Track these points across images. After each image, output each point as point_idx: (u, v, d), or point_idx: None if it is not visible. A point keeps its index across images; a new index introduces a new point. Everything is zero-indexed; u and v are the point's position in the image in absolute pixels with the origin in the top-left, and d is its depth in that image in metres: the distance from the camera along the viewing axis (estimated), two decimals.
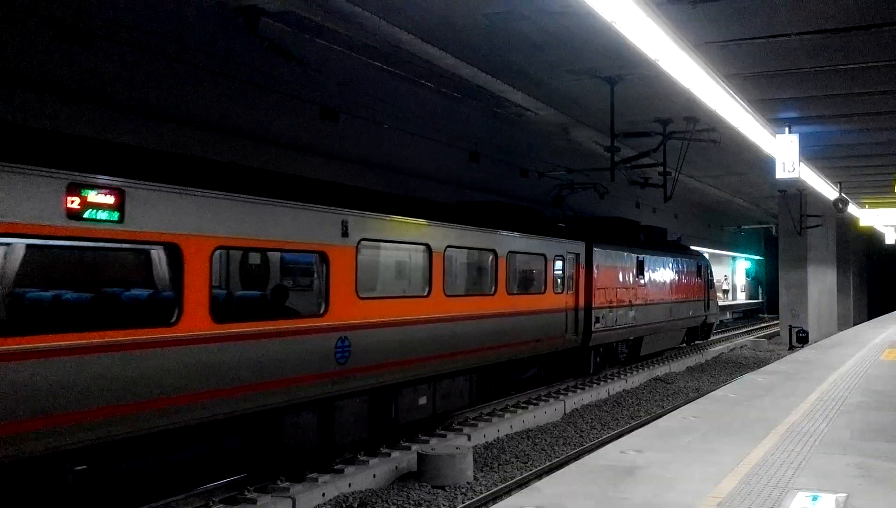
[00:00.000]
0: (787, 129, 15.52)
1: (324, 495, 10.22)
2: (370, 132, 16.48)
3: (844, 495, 7.23)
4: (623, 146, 18.62)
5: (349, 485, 10.69)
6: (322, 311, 10.24)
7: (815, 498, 7.10)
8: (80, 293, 8.00)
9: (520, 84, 14.90)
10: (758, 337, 35.13)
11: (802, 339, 30.78)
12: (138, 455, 8.24)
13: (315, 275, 10.38)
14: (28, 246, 7.00)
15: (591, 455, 9.32)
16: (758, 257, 61.79)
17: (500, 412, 15.63)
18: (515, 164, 22.41)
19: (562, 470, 8.52)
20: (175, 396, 8.18)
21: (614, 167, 16.47)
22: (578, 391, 18.85)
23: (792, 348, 30.22)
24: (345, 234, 10.55)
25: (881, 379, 15.25)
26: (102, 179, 7.42)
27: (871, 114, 16.56)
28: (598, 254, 19.42)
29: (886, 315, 44.73)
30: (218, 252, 8.76)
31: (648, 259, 23.09)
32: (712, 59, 10.97)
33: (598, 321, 19.32)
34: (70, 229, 7.16)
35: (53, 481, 7.43)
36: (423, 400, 12.61)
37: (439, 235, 12.72)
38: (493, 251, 14.47)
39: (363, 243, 10.97)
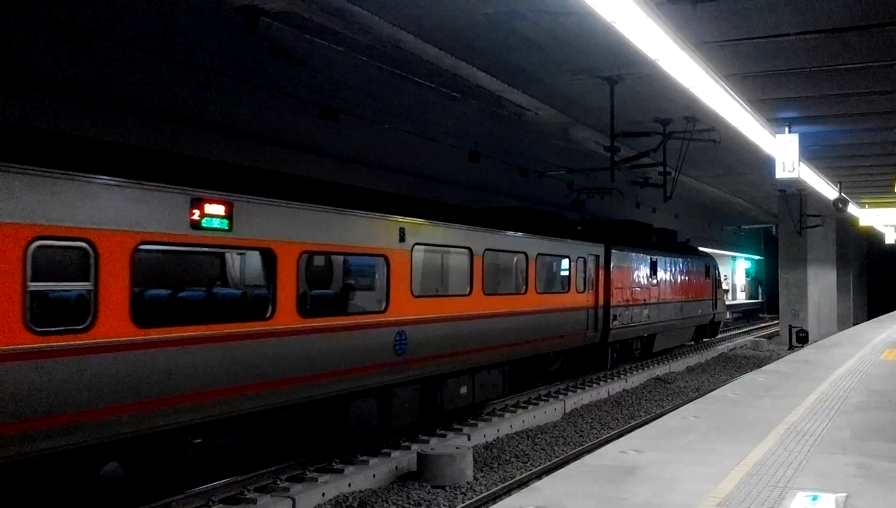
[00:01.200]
0: (786, 128, 15.50)
1: (324, 495, 10.22)
2: (370, 132, 16.48)
3: (844, 495, 7.23)
4: (623, 146, 18.61)
5: (349, 485, 10.69)
6: (383, 308, 11.49)
7: (814, 498, 7.10)
8: (198, 291, 9.60)
9: (520, 84, 14.90)
10: (758, 337, 35.14)
11: (802, 339, 30.78)
12: (236, 432, 9.51)
13: (376, 276, 11.65)
14: (161, 252, 8.39)
15: (591, 454, 9.31)
16: (758, 257, 61.81)
17: (499, 412, 15.63)
18: (515, 164, 22.41)
19: (561, 470, 8.51)
20: (267, 381, 9.40)
21: (614, 167, 16.47)
22: (578, 391, 18.85)
23: (792, 347, 30.21)
24: (402, 239, 11.87)
25: (881, 379, 15.24)
26: (217, 194, 8.72)
27: (871, 114, 16.55)
28: (616, 256, 20.64)
29: (886, 315, 44.72)
30: (305, 257, 10.06)
31: (661, 260, 24.32)
32: (712, 59, 10.96)
33: (615, 318, 20.46)
34: (193, 237, 8.49)
35: (177, 451, 8.77)
36: (464, 390, 13.81)
37: (479, 239, 13.98)
38: (525, 254, 15.77)
39: (416, 246, 12.24)
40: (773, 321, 45.71)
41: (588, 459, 8.95)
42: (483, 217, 14.73)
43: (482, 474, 11.90)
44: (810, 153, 19.76)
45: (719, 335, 35.41)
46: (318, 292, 10.85)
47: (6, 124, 8.05)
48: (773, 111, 15.73)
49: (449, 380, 13.31)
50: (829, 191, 25.25)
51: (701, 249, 33.03)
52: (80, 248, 7.47)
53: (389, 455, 11.91)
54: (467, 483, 11.25)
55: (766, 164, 18.17)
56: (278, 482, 10.18)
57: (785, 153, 15.29)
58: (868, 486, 7.58)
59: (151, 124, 12.04)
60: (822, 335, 32.46)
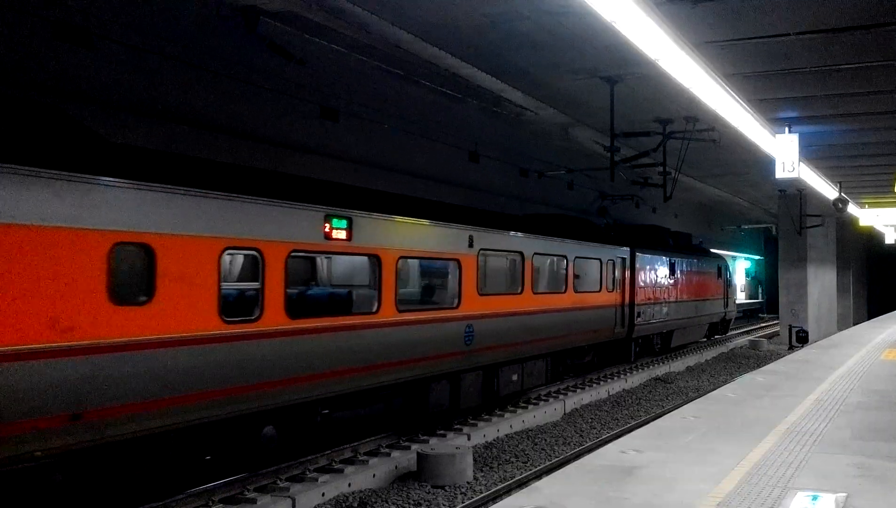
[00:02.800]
0: (786, 128, 15.50)
1: (323, 495, 10.22)
2: (370, 132, 16.48)
3: (844, 495, 7.23)
4: (623, 146, 18.61)
5: (349, 485, 10.69)
6: (456, 304, 13.35)
7: (814, 498, 7.10)
8: (326, 289, 11.96)
9: (519, 84, 14.89)
10: (758, 337, 35.11)
11: (802, 339, 30.77)
12: (348, 407, 11.32)
13: (450, 277, 13.55)
14: (305, 257, 10.55)
15: (591, 454, 9.31)
16: (758, 257, 61.79)
17: (500, 412, 15.64)
18: (515, 164, 22.41)
19: (561, 470, 8.52)
20: (373, 365, 11.29)
21: (614, 167, 16.46)
22: (578, 390, 18.86)
23: (792, 347, 30.21)
24: (470, 245, 13.72)
25: (881, 379, 15.25)
26: (342, 211, 10.66)
27: (871, 114, 16.54)
28: (640, 258, 22.48)
29: (886, 315, 44.72)
30: (402, 261, 11.97)
31: (678, 262, 26.12)
32: (712, 59, 10.96)
33: (639, 315, 22.33)
34: (324, 246, 10.57)
35: (310, 420, 10.64)
36: (515, 377, 15.57)
37: (529, 244, 15.92)
38: (565, 257, 17.64)
39: (481, 251, 14.07)
40: (772, 321, 45.71)
41: (588, 459, 8.95)
42: (529, 224, 16.79)
43: (482, 474, 11.90)
44: (810, 153, 19.76)
45: (719, 336, 35.58)
46: (409, 291, 12.85)
47: (190, 158, 9.98)
48: (773, 111, 15.72)
49: (503, 368, 15.10)
50: (828, 191, 25.25)
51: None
52: (253, 256, 9.43)
53: (389, 454, 11.92)
54: (467, 482, 11.25)
55: (766, 164, 18.17)
56: (278, 481, 10.18)
57: (785, 153, 15.28)
58: (868, 486, 7.58)
59: (154, 125, 12.03)
60: (821, 334, 32.45)
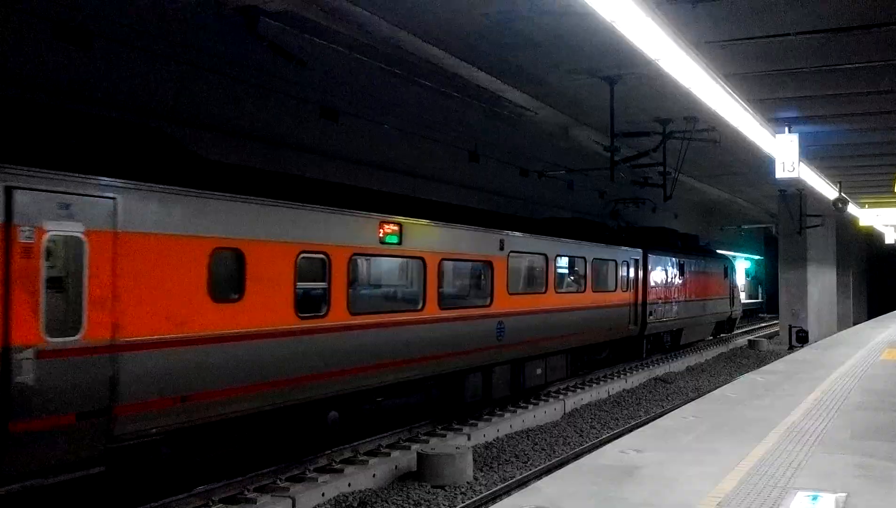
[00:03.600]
0: (786, 128, 15.49)
1: (323, 494, 10.22)
2: (370, 132, 16.47)
3: (844, 494, 7.23)
4: (623, 146, 18.61)
5: (349, 485, 10.69)
6: (489, 303, 14.46)
7: (814, 498, 7.10)
8: (378, 288, 12.95)
9: (519, 84, 14.89)
10: (758, 337, 35.11)
11: (802, 339, 30.76)
12: (395, 396, 12.45)
13: (483, 277, 14.63)
14: (363, 260, 11.47)
15: (591, 454, 9.31)
16: (757, 257, 61.76)
17: (499, 412, 15.64)
18: (515, 164, 22.42)
19: (561, 470, 8.52)
20: (419, 357, 12.42)
21: (614, 167, 16.46)
22: (578, 390, 18.86)
23: (792, 347, 30.20)
24: (501, 248, 14.84)
25: (881, 379, 15.24)
26: (394, 218, 11.86)
27: (871, 114, 16.54)
28: (652, 259, 23.55)
29: (886, 315, 44.72)
30: (443, 263, 13.10)
31: (687, 262, 27.11)
32: (712, 59, 10.96)
33: (651, 314, 23.41)
34: (379, 249, 11.67)
35: (366, 407, 11.92)
36: (539, 371, 16.60)
37: (552, 246, 16.98)
38: (584, 258, 18.77)
39: (511, 254, 15.16)
40: (772, 321, 45.69)
41: (588, 459, 8.95)
42: (550, 227, 17.93)
43: (482, 474, 11.90)
44: (810, 153, 19.75)
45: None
46: (449, 290, 13.78)
47: (264, 171, 11.26)
48: (773, 111, 15.71)
49: (528, 362, 16.13)
50: (828, 191, 25.25)
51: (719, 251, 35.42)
52: (321, 259, 10.49)
53: (389, 454, 11.91)
54: (467, 482, 11.25)
55: (766, 164, 18.16)
56: (278, 481, 10.18)
57: (785, 153, 15.28)
58: (868, 486, 7.58)
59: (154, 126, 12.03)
60: (821, 334, 32.44)
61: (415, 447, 12.33)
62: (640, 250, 22.81)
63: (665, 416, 11.85)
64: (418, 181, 18.24)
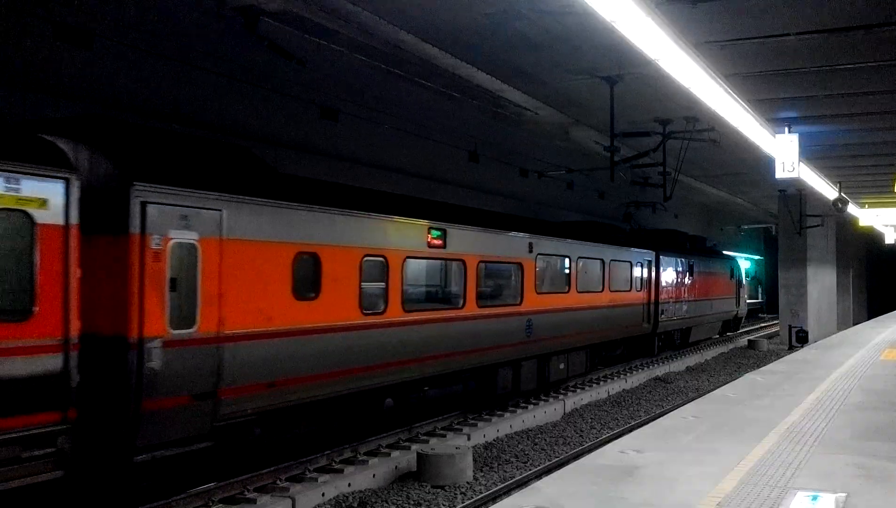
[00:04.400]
0: (786, 128, 15.47)
1: (323, 495, 10.22)
2: (370, 132, 16.47)
3: (844, 495, 7.23)
4: (623, 146, 18.60)
5: (349, 485, 10.69)
6: (519, 301, 15.68)
7: (814, 498, 7.10)
8: (426, 287, 14.25)
9: (519, 84, 14.88)
10: (757, 337, 35.12)
11: (802, 339, 30.76)
12: (437, 386, 13.91)
13: (514, 278, 15.76)
14: (411, 261, 12.57)
15: (591, 454, 9.31)
16: (757, 257, 61.76)
17: (499, 412, 15.64)
18: (515, 164, 22.41)
19: (561, 470, 8.52)
20: (459, 351, 13.71)
21: (614, 167, 16.45)
22: (578, 390, 18.86)
23: (791, 347, 30.20)
24: (530, 251, 16.11)
25: (881, 379, 15.24)
26: (440, 224, 13.19)
27: (871, 114, 16.53)
28: (663, 260, 24.70)
29: (886, 315, 44.71)
30: (480, 264, 14.30)
31: (696, 263, 28.28)
32: (712, 59, 10.95)
33: (662, 313, 24.61)
34: (428, 253, 13.06)
35: (415, 396, 13.31)
36: (562, 366, 17.81)
37: (574, 249, 18.31)
38: (602, 260, 20.02)
39: (538, 256, 16.42)
40: (772, 321, 45.69)
41: (588, 459, 8.95)
42: (571, 230, 19.14)
43: (482, 474, 11.90)
44: (810, 153, 19.74)
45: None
46: (485, 290, 14.89)
47: (329, 183, 12.29)
48: (773, 111, 15.70)
49: (553, 357, 17.32)
50: (828, 191, 25.24)
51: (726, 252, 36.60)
52: (380, 261, 11.77)
53: (389, 454, 11.91)
54: (467, 482, 11.25)
55: (766, 164, 18.15)
56: (278, 482, 10.18)
57: (785, 153, 15.26)
58: (868, 486, 7.58)
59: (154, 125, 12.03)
60: (821, 334, 32.43)
61: (415, 447, 12.33)
62: (652, 252, 23.90)
63: (665, 416, 11.85)
64: (418, 181, 18.24)
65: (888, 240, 39.81)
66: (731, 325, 35.14)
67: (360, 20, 11.00)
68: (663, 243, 25.34)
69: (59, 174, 7.47)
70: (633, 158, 19.69)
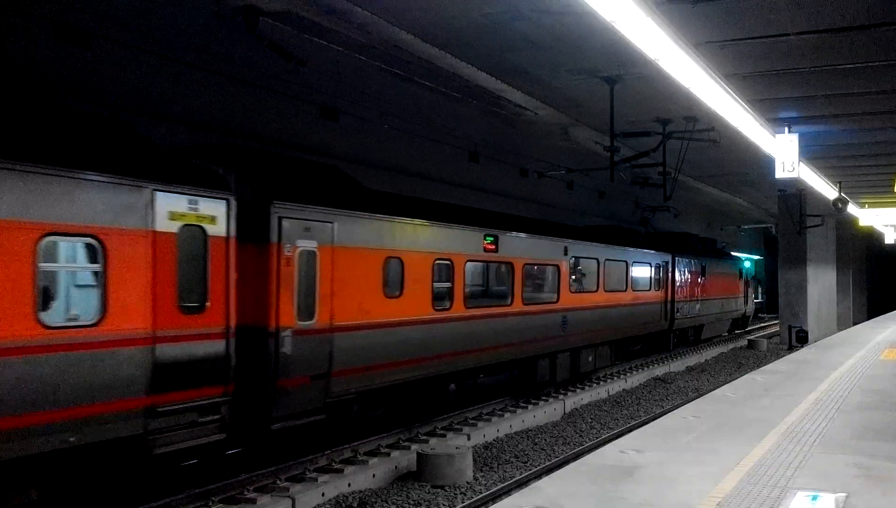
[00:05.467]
0: (786, 128, 15.47)
1: (323, 494, 10.22)
2: (369, 132, 16.46)
3: (844, 495, 7.23)
4: (623, 146, 18.59)
5: (349, 485, 10.69)
6: (556, 299, 17.60)
7: (814, 498, 7.10)
8: (482, 286, 15.62)
9: (519, 84, 14.87)
10: (757, 337, 35.12)
11: (802, 339, 30.75)
12: (488, 374, 15.61)
13: (551, 278, 17.62)
14: (470, 264, 14.36)
15: (591, 454, 9.32)
16: (757, 257, 61.75)
17: (499, 412, 15.63)
18: (515, 164, 22.41)
19: (561, 470, 8.52)
20: (507, 344, 15.44)
21: (614, 167, 16.44)
22: (578, 390, 18.86)
23: (791, 347, 30.19)
24: (565, 253, 18.04)
25: (881, 379, 15.25)
26: (492, 231, 15.07)
27: (871, 114, 16.52)
28: (678, 262, 26.47)
29: (886, 315, 44.71)
30: (525, 266, 16.13)
31: (708, 264, 30.09)
32: (712, 59, 10.95)
33: (678, 311, 26.44)
34: (484, 256, 14.84)
35: (470, 382, 15.22)
36: (590, 358, 19.60)
37: (602, 251, 20.15)
38: (626, 261, 21.90)
39: (572, 258, 18.33)
40: (772, 321, 45.69)
41: (588, 459, 8.95)
42: (597, 234, 20.99)
43: (482, 474, 11.90)
44: (810, 153, 19.73)
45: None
46: (528, 289, 16.52)
47: (402, 196, 14.25)
48: (773, 111, 15.70)
49: (583, 350, 19.14)
50: (828, 191, 25.23)
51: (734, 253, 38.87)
52: (447, 264, 13.60)
53: (389, 454, 11.91)
54: (467, 482, 11.25)
55: (766, 164, 18.14)
56: (278, 482, 10.18)
57: (785, 153, 15.25)
58: (868, 486, 7.58)
59: (154, 125, 12.02)
60: (821, 335, 32.43)
61: (415, 447, 12.33)
62: (669, 255, 25.61)
63: (665, 416, 11.85)
64: (417, 181, 18.22)
65: (888, 240, 39.77)
66: (739, 323, 36.92)
67: (360, 20, 11.00)
68: (678, 246, 26.96)
69: (222, 196, 9.18)
70: (632, 158, 19.69)
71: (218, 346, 9.05)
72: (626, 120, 16.81)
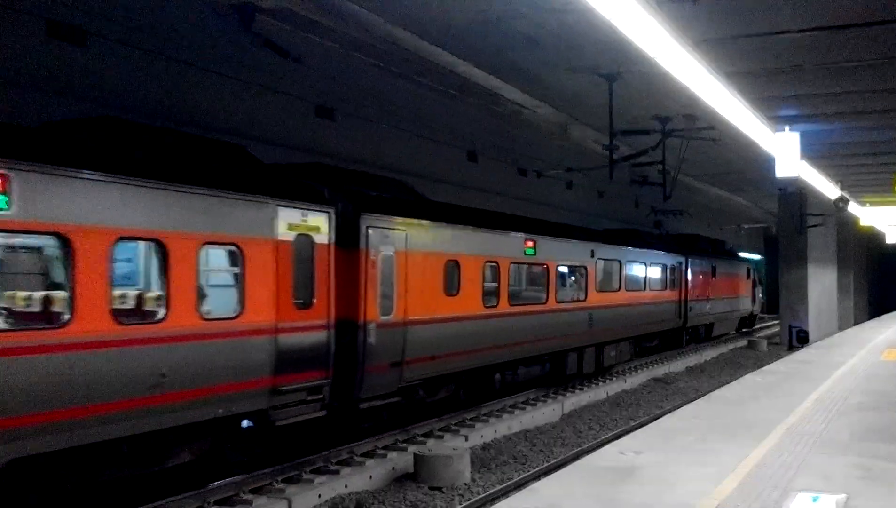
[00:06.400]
0: (787, 127, 15.37)
1: (320, 496, 10.15)
2: (366, 131, 16.39)
3: (844, 496, 7.17)
4: (622, 144, 18.52)
5: (345, 486, 10.62)
6: (584, 298, 19.03)
7: (815, 499, 7.03)
8: (521, 286, 17.15)
9: (518, 82, 14.82)
10: (757, 337, 35.08)
11: (802, 339, 30.71)
12: (526, 365, 16.89)
13: (580, 278, 19.15)
14: (513, 266, 15.96)
15: (590, 455, 9.26)
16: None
17: (497, 413, 15.57)
18: (514, 163, 22.35)
19: (560, 471, 8.46)
20: (544, 338, 17.05)
21: (613, 166, 16.36)
22: (577, 391, 18.80)
23: (792, 348, 30.14)
24: (592, 256, 19.51)
25: (881, 379, 15.19)
26: (533, 236, 16.69)
27: (873, 112, 16.46)
28: (691, 263, 27.77)
29: (886, 315, 44.69)
30: (558, 267, 17.86)
31: (717, 265, 31.22)
32: (712, 57, 10.87)
33: (691, 310, 27.70)
34: (524, 259, 16.40)
35: (511, 373, 16.44)
36: (613, 353, 21.13)
37: (623, 253, 21.75)
38: (644, 263, 23.38)
39: (598, 260, 19.86)
40: (773, 321, 45.68)
41: (586, 460, 8.89)
42: (619, 237, 22.80)
43: (480, 475, 11.81)
44: (811, 152, 19.64)
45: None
46: (561, 288, 18.18)
47: (454, 205, 15.58)
48: (774, 109, 15.63)
49: (607, 346, 20.60)
50: (829, 190, 25.16)
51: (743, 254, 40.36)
52: (494, 266, 15.14)
53: (386, 456, 11.84)
54: (465, 484, 11.16)
55: (767, 162, 18.07)
56: (274, 483, 10.10)
57: (785, 152, 15.16)
58: (868, 487, 7.52)
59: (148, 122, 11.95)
60: (822, 335, 32.39)
61: (411, 448, 12.25)
62: (682, 256, 26.92)
63: (664, 417, 11.79)
64: (417, 181, 18.14)
65: (889, 239, 39.71)
66: (747, 321, 38.10)
67: (357, 17, 10.94)
68: (690, 247, 28.47)
69: (324, 209, 10.79)
70: (632, 157, 19.61)
71: (322, 336, 10.61)
72: (625, 118, 16.73)
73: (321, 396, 10.62)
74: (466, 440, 13.53)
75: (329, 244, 10.77)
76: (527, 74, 14.22)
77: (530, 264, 16.95)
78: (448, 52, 12.73)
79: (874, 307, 56.33)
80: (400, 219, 12.41)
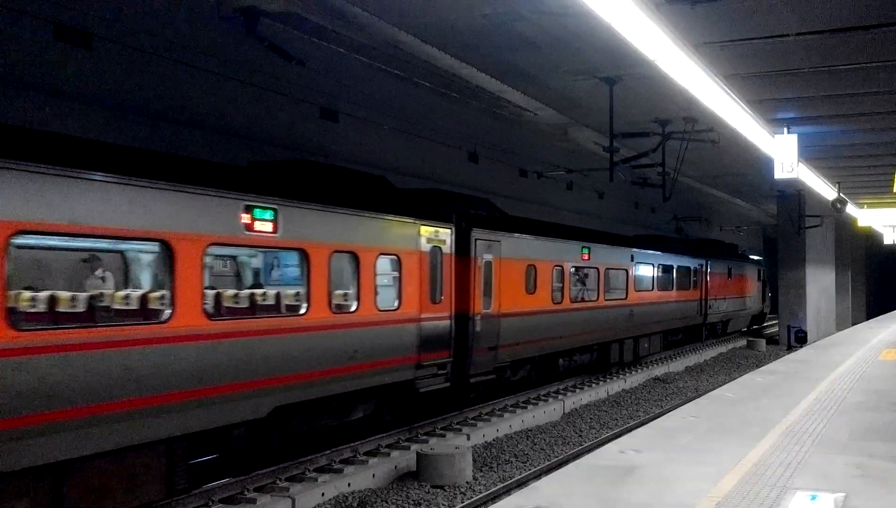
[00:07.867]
0: (785, 129, 15.49)
1: (323, 494, 10.22)
2: (369, 132, 16.46)
3: (843, 495, 7.24)
4: (622, 146, 18.61)
5: (348, 485, 10.70)
6: (625, 296, 21.80)
7: (813, 498, 7.11)
8: (579, 286, 19.57)
9: (519, 84, 14.90)
10: (757, 337, 35.14)
11: (801, 339, 30.78)
12: (572, 355, 19.32)
13: (621, 279, 21.80)
14: (573, 268, 18.67)
15: (590, 454, 9.34)
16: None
17: (499, 412, 15.65)
18: (515, 164, 22.43)
19: (561, 470, 8.54)
20: (591, 331, 19.53)
21: (613, 168, 16.46)
22: (577, 390, 18.88)
23: (790, 348, 30.22)
24: (632, 259, 22.37)
25: (879, 379, 15.27)
26: (587, 243, 19.51)
27: (870, 114, 16.54)
28: (711, 265, 30.39)
29: (885, 315, 44.75)
30: (607, 270, 20.62)
31: (732, 266, 33.84)
32: (711, 60, 10.97)
33: (710, 307, 30.51)
34: (581, 263, 19.04)
35: (559, 363, 18.90)
36: (646, 345, 23.97)
37: (655, 257, 24.53)
38: (673, 266, 26.17)
39: (636, 263, 22.65)
40: (771, 321, 45.76)
41: (587, 459, 8.97)
42: (655, 241, 25.79)
43: (481, 474, 11.90)
44: (809, 154, 19.75)
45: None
46: (608, 288, 20.66)
47: (529, 219, 18.39)
48: (772, 112, 15.71)
49: (642, 338, 23.49)
50: (827, 191, 25.26)
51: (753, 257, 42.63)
52: (559, 269, 17.83)
53: (389, 454, 11.92)
54: (466, 482, 11.25)
55: (765, 164, 18.17)
56: (278, 482, 10.18)
57: (784, 154, 15.27)
58: (866, 486, 7.60)
59: (151, 124, 12.03)
60: (820, 335, 32.46)
61: (414, 447, 12.33)
62: (703, 259, 29.60)
63: (664, 416, 11.86)
64: (417, 182, 18.22)
65: (887, 240, 39.79)
66: (758, 318, 41.11)
67: (360, 21, 11.02)
68: (707, 251, 31.05)
69: (448, 227, 13.66)
70: (632, 159, 19.70)
71: (447, 325, 13.46)
72: (625, 121, 16.83)
73: (446, 371, 13.51)
74: (468, 438, 13.62)
75: (451, 254, 13.67)
76: (528, 77, 14.31)
77: (586, 268, 19.60)
78: (450, 56, 12.81)
79: (872, 308, 56.39)
80: (497, 232, 15.18)
